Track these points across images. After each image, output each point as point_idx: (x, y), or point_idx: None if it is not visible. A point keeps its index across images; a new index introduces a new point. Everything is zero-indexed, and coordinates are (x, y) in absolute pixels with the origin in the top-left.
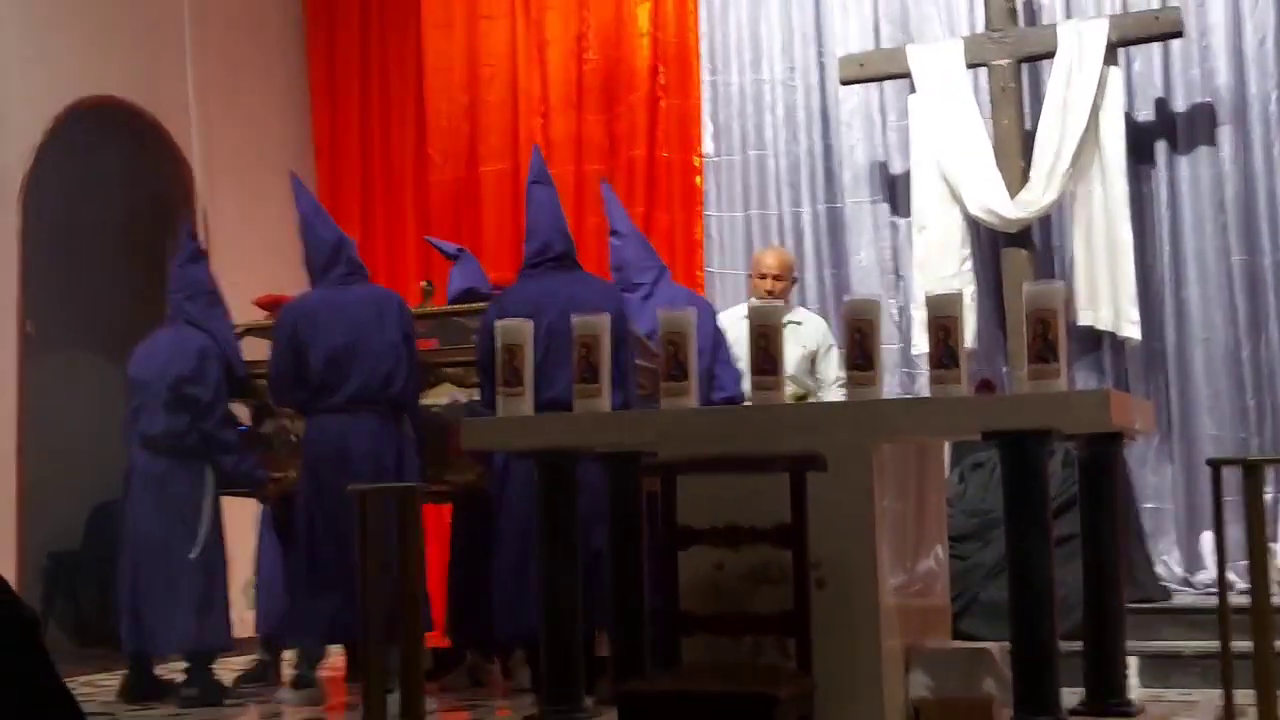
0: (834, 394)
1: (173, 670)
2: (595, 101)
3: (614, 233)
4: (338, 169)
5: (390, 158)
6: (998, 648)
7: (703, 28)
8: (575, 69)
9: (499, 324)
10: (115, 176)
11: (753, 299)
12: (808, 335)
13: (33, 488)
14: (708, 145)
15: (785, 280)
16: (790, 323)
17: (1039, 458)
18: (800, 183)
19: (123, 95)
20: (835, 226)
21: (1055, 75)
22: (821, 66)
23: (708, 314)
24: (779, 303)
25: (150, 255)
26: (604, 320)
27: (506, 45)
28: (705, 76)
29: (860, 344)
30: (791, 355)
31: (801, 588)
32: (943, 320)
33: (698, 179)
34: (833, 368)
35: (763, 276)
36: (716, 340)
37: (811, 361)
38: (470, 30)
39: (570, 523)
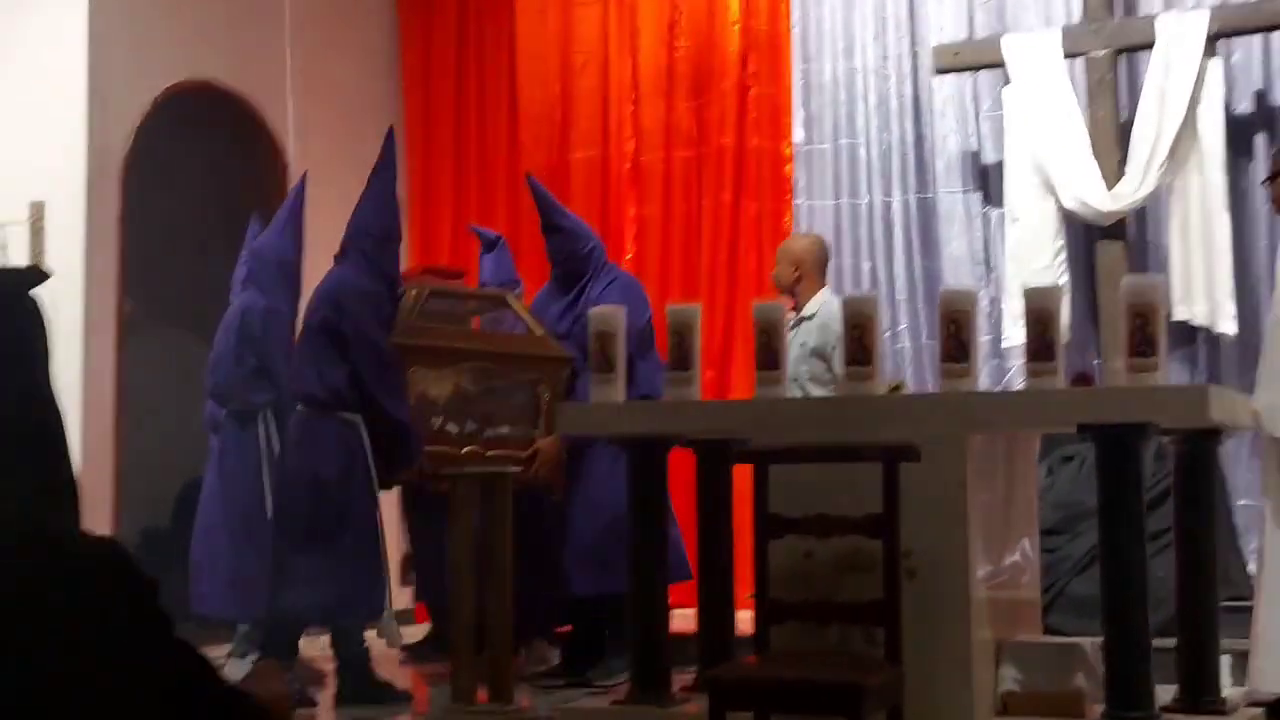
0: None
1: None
2: (685, 89)
3: (557, 229)
4: (430, 155)
5: (483, 144)
6: (1089, 642)
7: (795, 15)
8: (666, 57)
9: (593, 312)
10: (211, 159)
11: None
12: (808, 332)
13: (130, 467)
14: (798, 133)
15: (777, 267)
16: (802, 319)
17: (1136, 452)
18: (891, 172)
19: (221, 79)
20: (926, 216)
21: (1153, 67)
22: (915, 55)
23: (641, 306)
24: (873, 295)
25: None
26: (695, 310)
27: (599, 32)
28: (797, 64)
29: (956, 335)
30: (792, 352)
31: (892, 577)
32: (1040, 313)
33: (787, 167)
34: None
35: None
36: (644, 335)
37: (821, 359)
38: (564, 17)
39: (659, 509)
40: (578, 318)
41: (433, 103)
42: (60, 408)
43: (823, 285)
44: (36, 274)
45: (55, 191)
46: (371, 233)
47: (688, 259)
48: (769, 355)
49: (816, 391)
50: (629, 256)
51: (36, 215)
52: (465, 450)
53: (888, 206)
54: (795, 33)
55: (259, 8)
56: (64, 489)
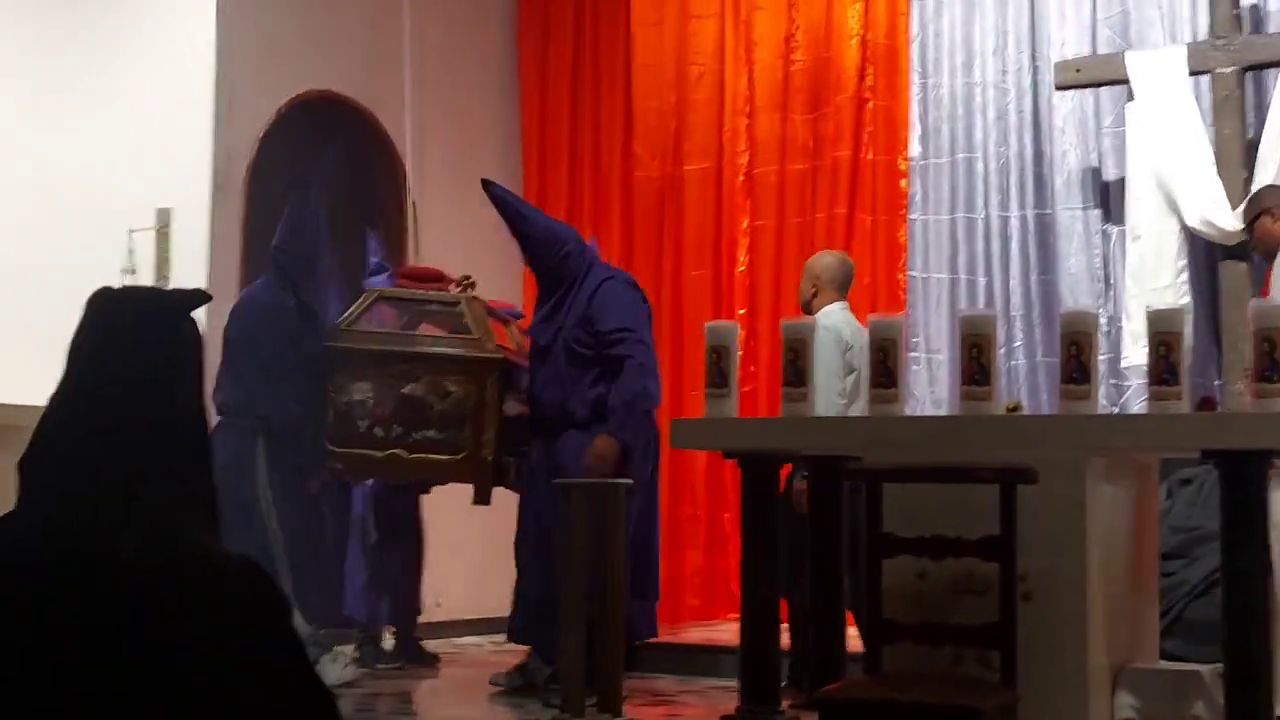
0: None
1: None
2: (801, 102)
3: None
4: (546, 165)
5: (598, 154)
6: (1207, 669)
7: (914, 29)
8: (782, 69)
9: (707, 326)
10: (331, 168)
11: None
12: None
13: None
14: (914, 148)
15: (802, 283)
16: None
17: (1261, 478)
18: (1009, 187)
19: (342, 90)
20: (1044, 232)
21: None
22: (1035, 70)
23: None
24: (901, 317)
25: (361, 246)
26: (810, 325)
27: (715, 44)
28: (915, 78)
29: (1076, 357)
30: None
31: (1008, 600)
32: (1165, 336)
33: (903, 182)
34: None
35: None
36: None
37: None
38: (680, 29)
39: (772, 525)
40: (559, 330)
41: (549, 113)
42: (207, 423)
43: (838, 299)
44: (199, 296)
45: (181, 199)
46: (283, 248)
47: (801, 272)
48: (884, 373)
49: None
50: (741, 269)
51: (163, 222)
52: (387, 454)
53: (1004, 222)
54: (914, 46)
55: (380, 19)
56: (208, 502)
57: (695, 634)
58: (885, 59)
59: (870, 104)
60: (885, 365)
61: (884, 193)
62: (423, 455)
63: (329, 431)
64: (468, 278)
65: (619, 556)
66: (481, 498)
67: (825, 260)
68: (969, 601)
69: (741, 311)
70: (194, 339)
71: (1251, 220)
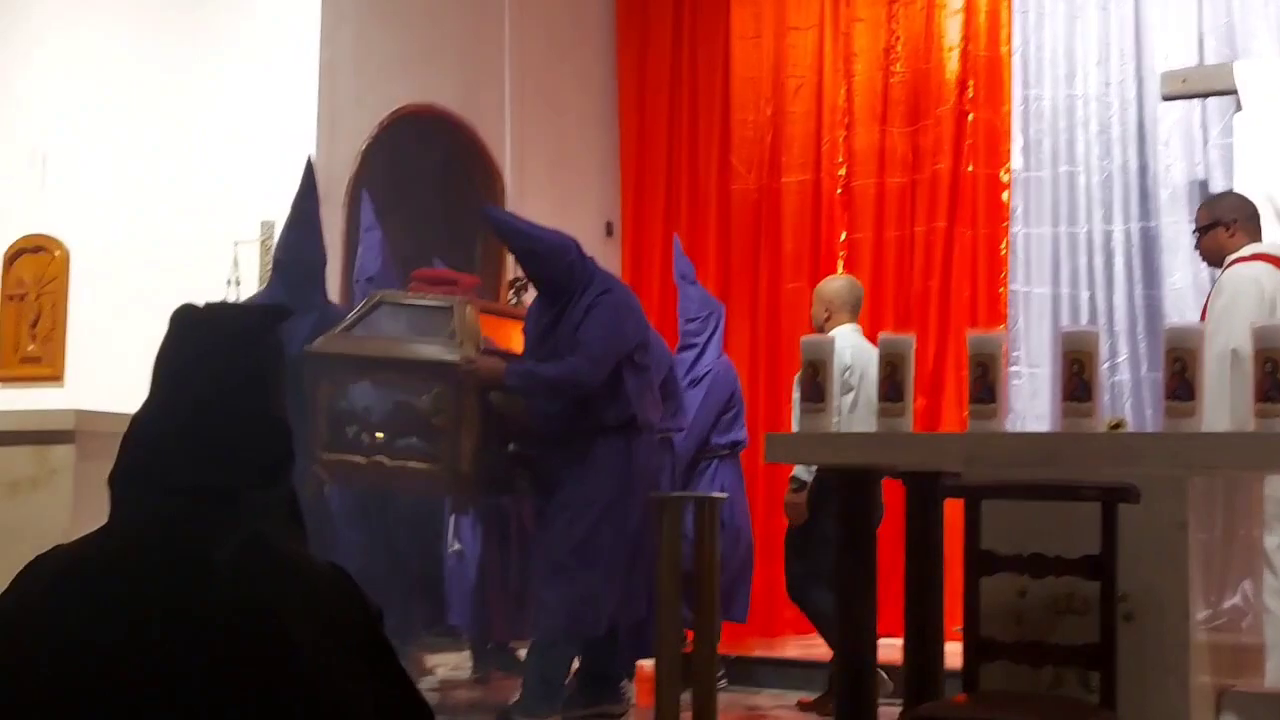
0: None
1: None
2: (901, 114)
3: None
4: (644, 177)
5: (695, 167)
6: None
7: (1016, 40)
8: (882, 81)
9: (804, 341)
10: (432, 182)
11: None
12: None
13: None
14: (1016, 160)
15: (814, 307)
16: None
17: None
18: (1113, 200)
19: (442, 103)
20: (1149, 246)
21: None
22: (1139, 81)
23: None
24: (1001, 331)
25: (464, 259)
26: (830, 342)
27: (814, 57)
28: (1017, 90)
29: (1181, 373)
30: None
31: (1109, 620)
32: (1271, 352)
33: (1004, 194)
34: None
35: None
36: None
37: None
38: (778, 41)
39: (869, 541)
40: (554, 350)
41: (646, 126)
42: (290, 434)
43: (847, 321)
44: (279, 312)
45: (284, 212)
46: (281, 257)
47: (900, 285)
48: (984, 388)
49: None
50: None
51: (266, 235)
52: (370, 460)
53: (1108, 235)
54: (1016, 58)
55: (481, 34)
56: (294, 511)
57: (791, 648)
58: (986, 70)
59: (971, 116)
60: (985, 381)
61: (985, 206)
62: (403, 463)
63: (320, 437)
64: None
65: (711, 573)
66: (459, 508)
67: (835, 285)
68: (1069, 621)
69: None
70: (275, 352)
71: (1205, 228)
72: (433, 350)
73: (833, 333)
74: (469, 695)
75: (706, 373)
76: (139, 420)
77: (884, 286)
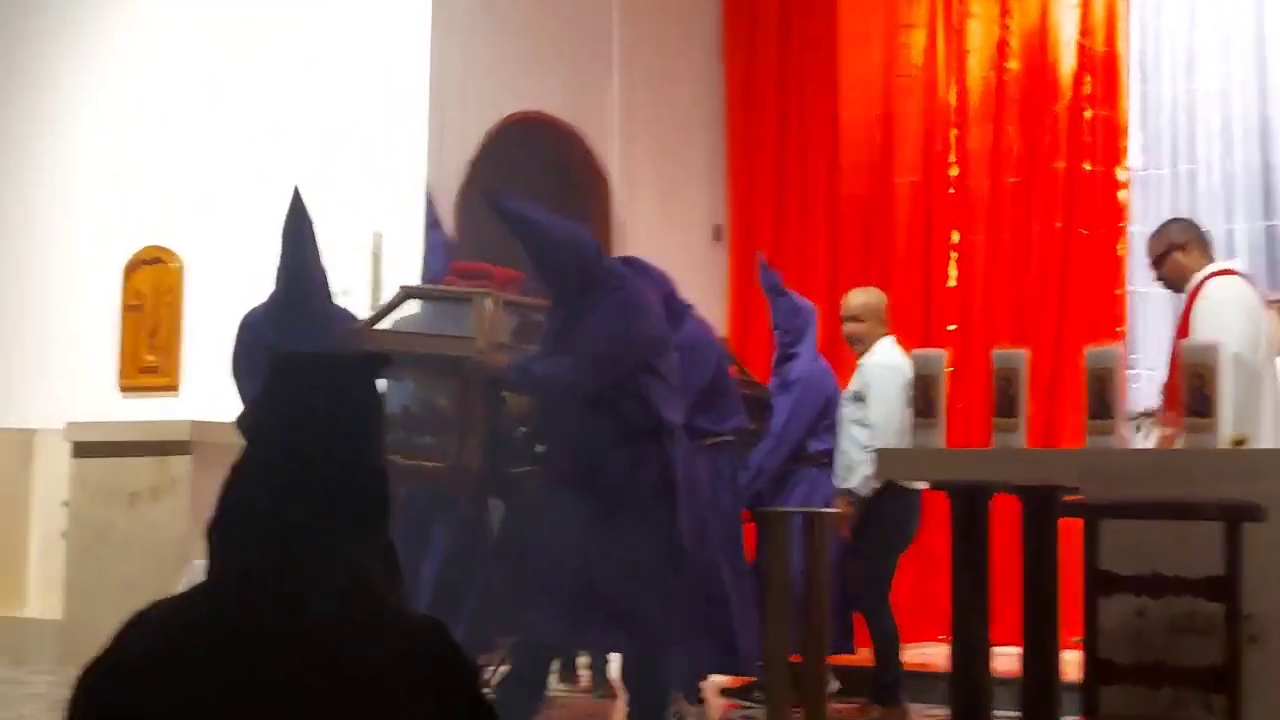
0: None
1: None
2: (1015, 112)
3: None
4: (752, 180)
5: (804, 169)
6: None
7: (1133, 34)
8: (995, 78)
9: (915, 354)
10: (540, 190)
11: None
12: (855, 377)
13: None
14: (1134, 158)
15: (865, 322)
16: (861, 366)
17: None
18: (1234, 199)
19: (551, 110)
20: (1273, 245)
21: None
22: (1262, 74)
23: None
24: (1119, 347)
25: None
26: (1022, 355)
27: (925, 55)
28: (1134, 85)
29: None
30: (845, 396)
31: (1233, 642)
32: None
33: (1122, 193)
34: (870, 413)
35: (843, 319)
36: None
37: (859, 401)
38: (888, 40)
39: (983, 558)
40: (569, 348)
41: (754, 129)
42: (388, 483)
43: (886, 335)
44: (379, 360)
45: (395, 222)
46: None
47: (1015, 287)
48: (1101, 403)
49: (858, 434)
50: (951, 284)
51: (377, 244)
52: (387, 458)
53: (1230, 235)
54: (1133, 52)
55: (587, 39)
56: (391, 562)
57: (907, 657)
58: (1104, 65)
59: (1088, 113)
60: (1102, 396)
61: (1102, 205)
62: (416, 461)
63: None
64: None
65: (822, 589)
66: (468, 507)
67: (870, 298)
68: (1190, 641)
69: (951, 328)
70: (373, 402)
71: (1162, 255)
72: (445, 344)
73: (882, 348)
74: None
75: (796, 379)
76: (238, 470)
77: (998, 289)
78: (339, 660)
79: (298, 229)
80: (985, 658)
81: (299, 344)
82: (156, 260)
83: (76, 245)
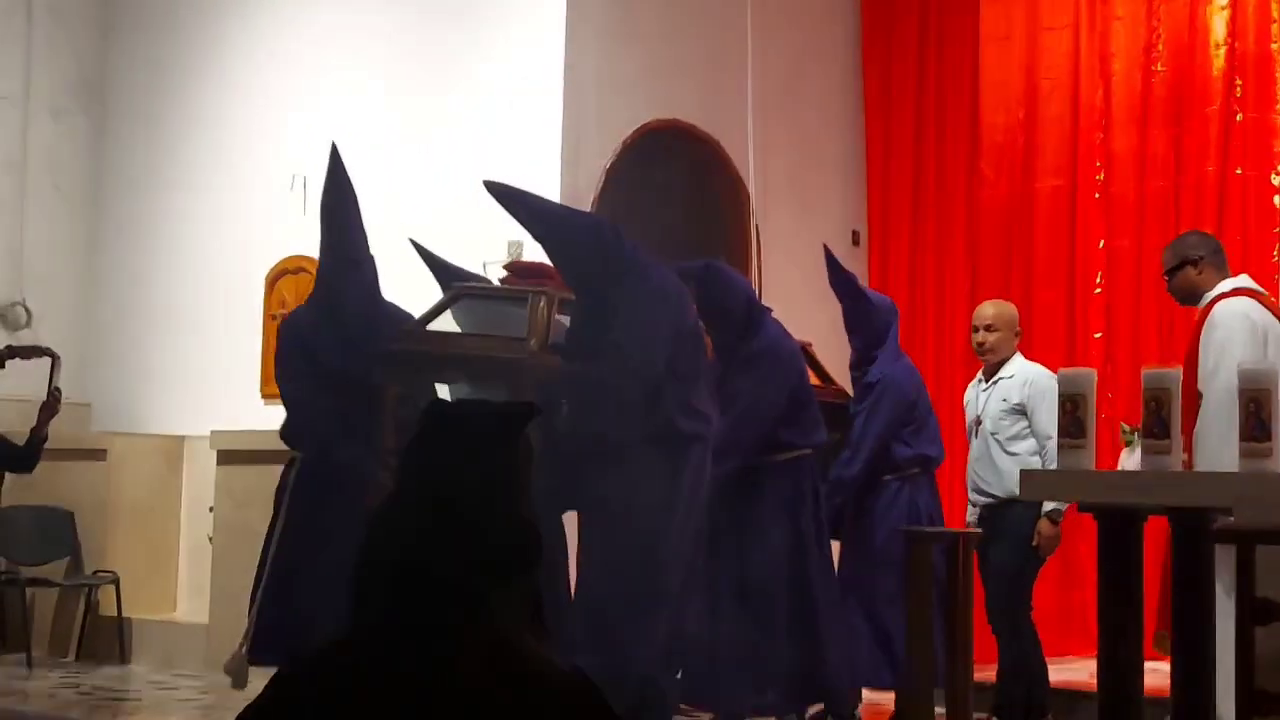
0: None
1: None
2: (1162, 115)
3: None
4: (890, 186)
5: (943, 173)
6: None
7: None
8: (1141, 81)
9: (1063, 373)
10: (676, 197)
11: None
12: (1010, 388)
13: None
14: None
15: (1000, 331)
16: (1000, 378)
17: None
18: None
19: (687, 118)
20: None
21: None
22: None
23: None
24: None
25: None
26: (1175, 374)
27: (1068, 58)
28: None
29: None
30: (991, 409)
31: None
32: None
33: (1275, 199)
34: (1041, 422)
35: (975, 328)
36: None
37: (1022, 414)
38: (1030, 42)
39: (1134, 583)
40: (595, 347)
41: (893, 134)
42: (539, 533)
43: (1015, 349)
44: (529, 410)
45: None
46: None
47: (1164, 296)
48: (1256, 424)
49: (1019, 450)
50: (1098, 290)
51: (515, 254)
52: None
53: None
54: None
55: (722, 45)
56: (537, 613)
57: (1052, 674)
58: (1255, 67)
59: (1239, 116)
60: (1257, 417)
61: (1254, 211)
62: None
63: (386, 442)
64: None
65: (967, 612)
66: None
67: (1004, 308)
68: None
69: (1097, 335)
70: (523, 452)
71: (1174, 269)
72: (498, 345)
73: (1016, 360)
74: None
75: (874, 381)
76: (384, 516)
77: (1145, 296)
78: (484, 716)
79: (338, 199)
80: (1138, 686)
81: (338, 349)
82: (299, 270)
83: (222, 255)
